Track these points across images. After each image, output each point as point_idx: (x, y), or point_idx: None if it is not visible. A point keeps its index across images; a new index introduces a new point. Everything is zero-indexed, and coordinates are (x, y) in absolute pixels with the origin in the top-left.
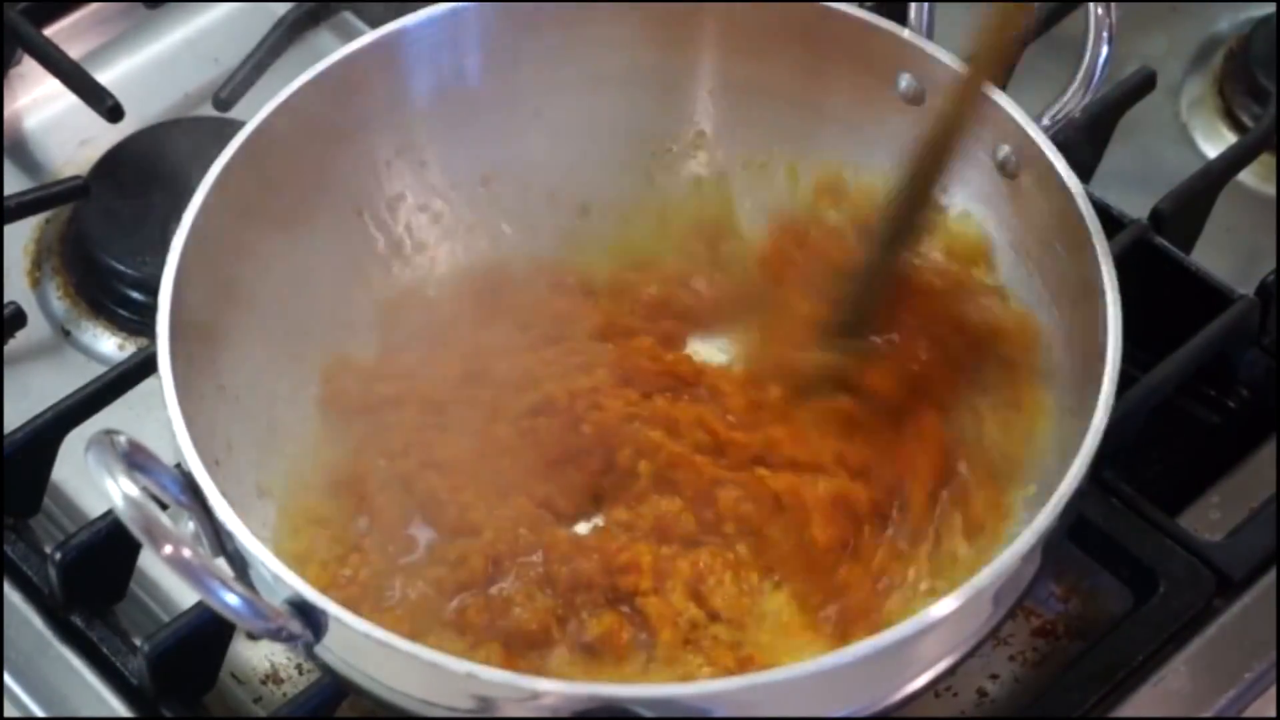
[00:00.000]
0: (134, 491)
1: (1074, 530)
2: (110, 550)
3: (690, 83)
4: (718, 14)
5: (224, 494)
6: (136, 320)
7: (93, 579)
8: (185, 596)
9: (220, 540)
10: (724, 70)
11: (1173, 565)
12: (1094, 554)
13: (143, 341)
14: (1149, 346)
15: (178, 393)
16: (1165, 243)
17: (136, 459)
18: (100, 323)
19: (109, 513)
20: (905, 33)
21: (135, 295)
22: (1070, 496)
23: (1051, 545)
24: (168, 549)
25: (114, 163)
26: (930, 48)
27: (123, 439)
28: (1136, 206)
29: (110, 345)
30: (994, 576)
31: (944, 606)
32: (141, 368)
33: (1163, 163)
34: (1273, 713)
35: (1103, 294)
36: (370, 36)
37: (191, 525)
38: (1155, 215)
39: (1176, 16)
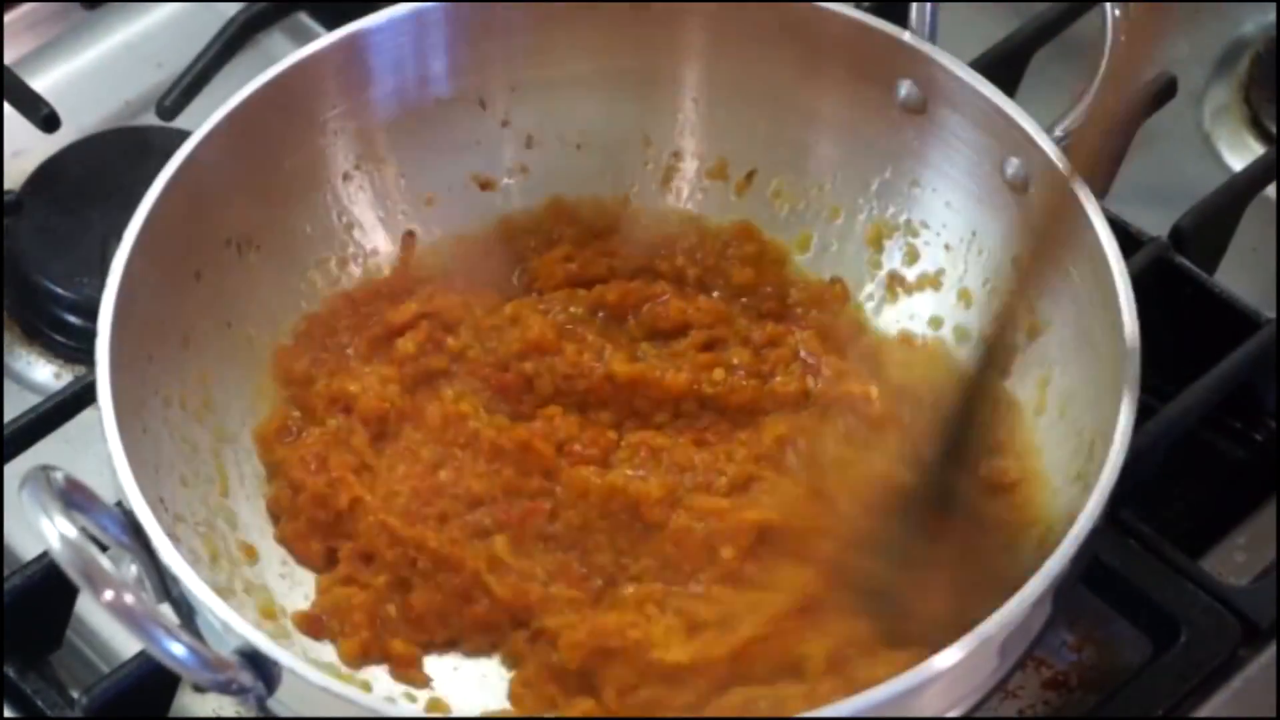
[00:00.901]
0: (72, 532)
1: (1088, 575)
2: (46, 595)
3: (673, 89)
4: (702, 15)
5: (168, 534)
6: (74, 346)
7: (27, 626)
8: (127, 646)
9: (165, 584)
10: (710, 76)
11: (1195, 612)
12: (1110, 600)
13: (81, 369)
14: (1169, 374)
15: (119, 425)
16: (1187, 262)
17: (74, 497)
18: (35, 349)
19: (44, 555)
20: (906, 35)
21: (72, 319)
22: (1084, 538)
23: (1063, 591)
24: (108, 594)
25: (49, 176)
26: (933, 52)
27: (59, 475)
28: (1156, 223)
29: (46, 373)
30: (1001, 625)
31: (948, 657)
32: (80, 397)
33: (1184, 176)
34: (1272, 713)
35: (1119, 317)
36: (328, 39)
37: (134, 569)
38: (1176, 233)
39: (1199, 18)
